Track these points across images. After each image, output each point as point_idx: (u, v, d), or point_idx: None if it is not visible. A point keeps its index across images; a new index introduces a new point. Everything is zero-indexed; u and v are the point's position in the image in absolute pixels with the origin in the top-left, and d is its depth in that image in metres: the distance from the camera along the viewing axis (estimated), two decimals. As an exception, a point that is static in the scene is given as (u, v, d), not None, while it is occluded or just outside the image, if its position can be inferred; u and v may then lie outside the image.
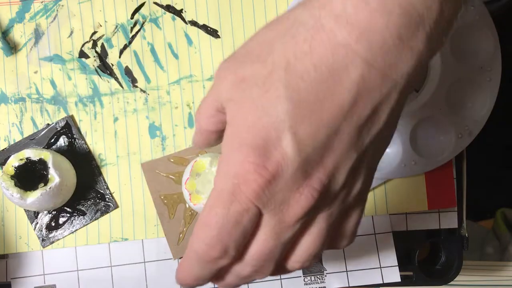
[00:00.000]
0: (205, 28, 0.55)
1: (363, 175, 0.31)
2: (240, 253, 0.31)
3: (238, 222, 0.30)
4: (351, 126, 0.28)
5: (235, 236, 0.30)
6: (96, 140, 0.54)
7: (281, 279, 0.54)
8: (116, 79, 0.54)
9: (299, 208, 0.29)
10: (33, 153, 0.49)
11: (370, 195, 0.55)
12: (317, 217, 0.31)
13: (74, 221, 0.53)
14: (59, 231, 0.53)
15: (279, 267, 0.33)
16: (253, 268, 0.32)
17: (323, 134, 0.28)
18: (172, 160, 0.54)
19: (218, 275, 0.33)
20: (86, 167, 0.54)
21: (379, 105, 0.28)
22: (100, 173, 0.54)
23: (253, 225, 0.30)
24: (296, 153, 0.28)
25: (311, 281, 0.54)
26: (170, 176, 0.53)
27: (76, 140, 0.54)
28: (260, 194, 0.29)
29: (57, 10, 0.54)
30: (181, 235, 0.53)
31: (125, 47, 0.54)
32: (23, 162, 0.49)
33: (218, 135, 0.34)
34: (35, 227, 0.53)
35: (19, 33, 0.54)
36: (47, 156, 0.49)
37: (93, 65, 0.54)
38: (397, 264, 0.54)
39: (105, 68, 0.54)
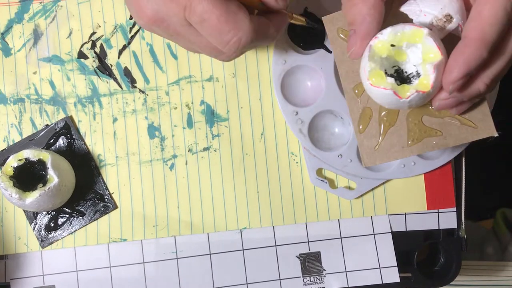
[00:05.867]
0: (204, 28, 0.54)
1: None
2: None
3: None
4: None
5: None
6: (95, 140, 0.54)
7: (280, 279, 0.54)
8: (115, 79, 0.54)
9: None
10: (32, 154, 0.49)
11: (369, 196, 0.55)
12: None
13: (73, 221, 0.53)
14: (58, 231, 0.53)
15: None
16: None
17: None
18: None
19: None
20: (85, 167, 0.54)
21: None
22: (99, 174, 0.54)
23: None
24: None
25: (310, 281, 0.54)
26: None
27: (75, 140, 0.54)
28: None
29: (56, 11, 0.54)
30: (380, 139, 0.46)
31: (124, 47, 0.54)
32: (22, 162, 0.49)
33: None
34: (34, 228, 0.53)
35: (18, 34, 0.54)
36: (46, 156, 0.49)
37: (92, 66, 0.54)
38: (396, 265, 0.54)
39: (104, 68, 0.54)
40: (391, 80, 0.39)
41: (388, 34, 0.39)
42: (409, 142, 0.45)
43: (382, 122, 0.45)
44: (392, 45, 0.39)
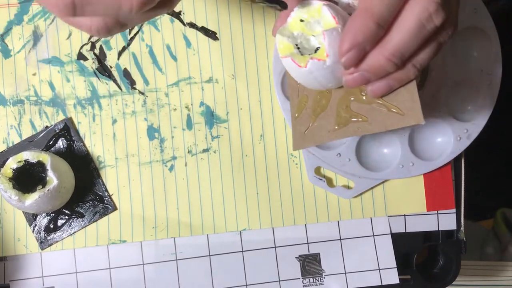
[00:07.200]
0: (203, 30, 0.54)
1: None
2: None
3: None
4: None
5: None
6: (94, 142, 0.54)
7: (279, 281, 0.54)
8: (115, 81, 0.54)
9: None
10: (31, 155, 0.50)
11: (369, 197, 0.55)
12: None
13: (72, 223, 0.54)
14: (58, 233, 0.53)
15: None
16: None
17: None
18: None
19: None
20: (85, 169, 0.54)
21: None
22: (99, 175, 0.54)
23: None
24: None
25: (309, 283, 0.54)
26: None
27: (75, 142, 0.54)
28: None
29: (55, 12, 0.54)
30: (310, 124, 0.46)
31: (124, 49, 0.54)
32: (21, 164, 0.49)
33: None
34: (33, 229, 0.53)
35: (18, 35, 0.54)
36: (46, 158, 0.49)
37: (92, 67, 0.54)
38: (395, 266, 0.54)
39: (103, 70, 0.54)
40: (297, 51, 0.40)
41: (296, 10, 0.40)
42: (336, 127, 0.45)
43: (314, 108, 0.45)
44: (302, 20, 0.40)
